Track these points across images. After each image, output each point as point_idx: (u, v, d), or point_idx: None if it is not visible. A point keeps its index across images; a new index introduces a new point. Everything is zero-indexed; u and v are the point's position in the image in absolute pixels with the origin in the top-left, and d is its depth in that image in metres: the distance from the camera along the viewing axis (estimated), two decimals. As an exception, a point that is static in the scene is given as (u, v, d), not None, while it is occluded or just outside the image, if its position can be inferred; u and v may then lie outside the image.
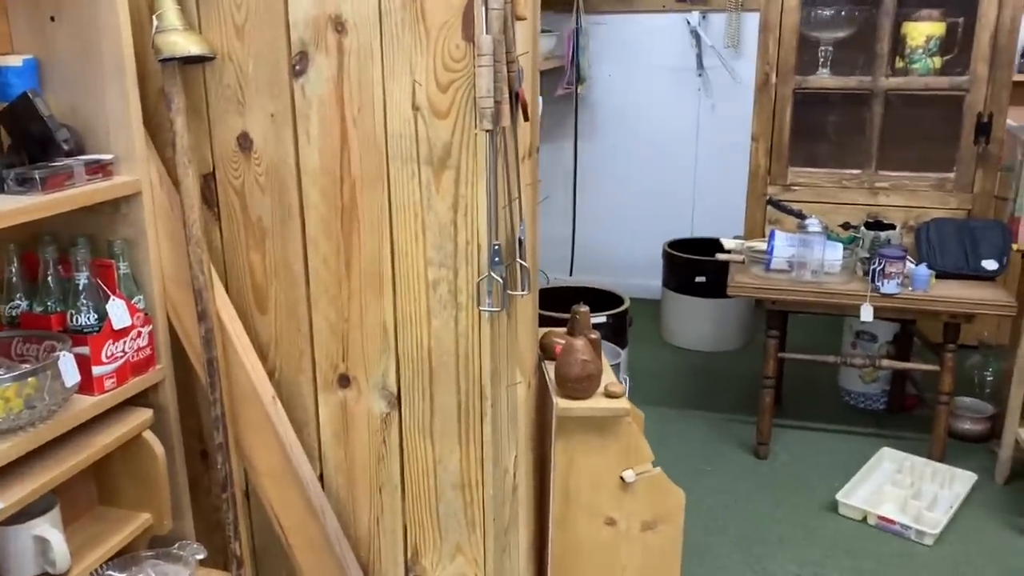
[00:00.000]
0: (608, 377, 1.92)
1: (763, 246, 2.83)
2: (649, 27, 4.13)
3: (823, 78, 2.83)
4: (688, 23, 3.99)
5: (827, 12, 2.81)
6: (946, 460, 2.76)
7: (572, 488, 1.87)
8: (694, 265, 3.77)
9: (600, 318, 3.03)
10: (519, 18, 1.43)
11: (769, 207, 2.90)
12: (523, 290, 1.55)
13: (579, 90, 4.07)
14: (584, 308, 2.06)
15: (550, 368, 1.92)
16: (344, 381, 1.61)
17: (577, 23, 3.98)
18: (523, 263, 1.52)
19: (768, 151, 2.88)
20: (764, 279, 2.72)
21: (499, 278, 1.44)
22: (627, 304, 3.15)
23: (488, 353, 1.51)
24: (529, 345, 1.80)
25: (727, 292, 2.74)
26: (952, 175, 2.77)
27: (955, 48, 2.75)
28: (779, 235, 2.76)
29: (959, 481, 2.65)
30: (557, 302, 3.07)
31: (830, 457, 2.90)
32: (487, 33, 1.33)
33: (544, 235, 4.46)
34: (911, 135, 2.85)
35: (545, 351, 2.01)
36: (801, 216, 2.81)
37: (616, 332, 3.08)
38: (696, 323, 3.83)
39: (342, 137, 1.48)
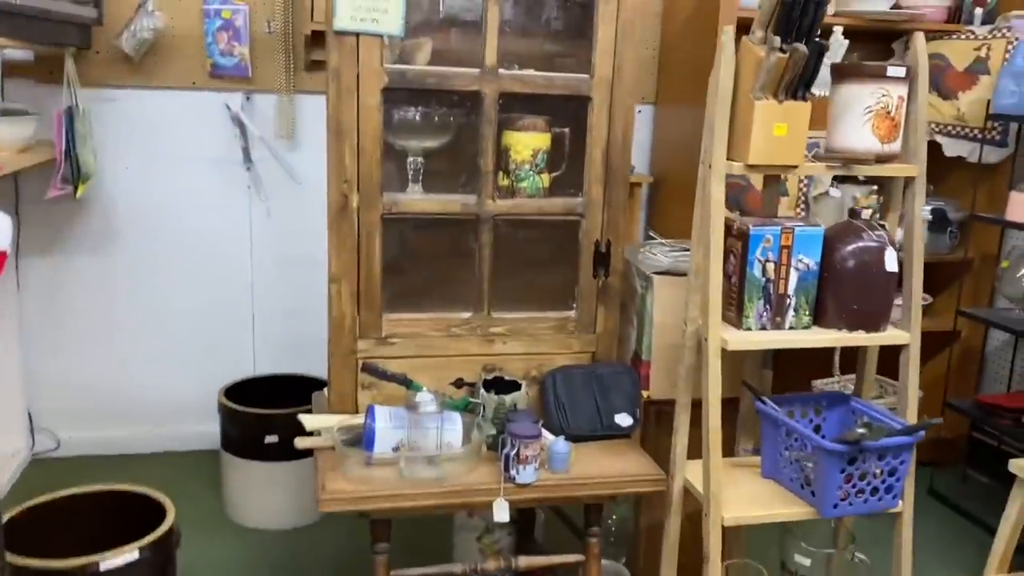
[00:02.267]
0: None
1: (359, 421, 2.09)
2: (178, 108, 3.19)
3: (416, 199, 2.18)
4: (228, 108, 3.14)
5: (415, 114, 2.18)
6: (597, 661, 2.25)
7: None
8: (262, 422, 2.89)
9: (127, 555, 2.01)
10: None
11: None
12: None
13: (79, 192, 2.97)
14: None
15: None
16: None
17: (71, 102, 2.90)
18: None
19: (354, 296, 2.14)
20: (366, 480, 1.95)
21: None
22: (171, 518, 2.17)
23: None
24: None
25: (318, 507, 1.93)
26: (573, 313, 2.30)
27: (563, 163, 2.29)
28: (380, 413, 2.03)
29: None
30: (40, 521, 1.99)
31: None
32: None
33: (44, 379, 3.26)
34: (526, 268, 2.34)
35: None
36: (406, 383, 2.11)
37: (159, 568, 2.08)
38: (269, 495, 2.94)
39: None
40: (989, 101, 3.14)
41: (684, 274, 2.24)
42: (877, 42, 3.55)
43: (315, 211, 3.18)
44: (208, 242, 3.30)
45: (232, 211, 3.31)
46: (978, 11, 3.40)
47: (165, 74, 3.14)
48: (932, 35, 3.41)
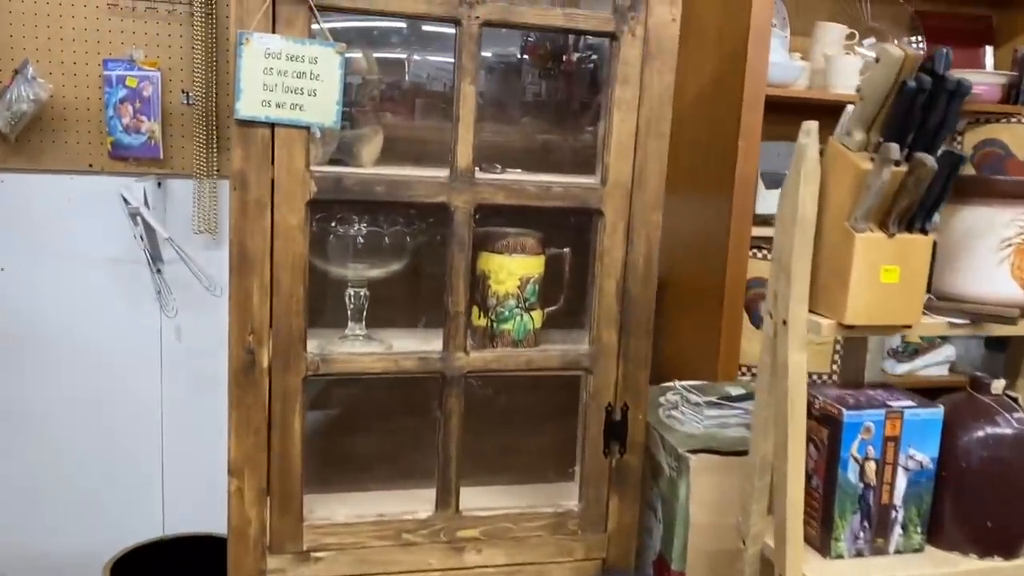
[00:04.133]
0: None
1: None
2: (70, 196, 2.54)
3: (355, 353, 1.55)
4: (126, 200, 2.48)
5: (357, 233, 1.56)
6: None
7: None
8: (156, 615, 2.20)
9: None
10: None
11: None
12: None
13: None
14: None
15: None
16: None
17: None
18: None
19: (263, 493, 1.49)
20: None
21: None
22: None
23: None
24: None
25: None
26: (575, 505, 1.66)
27: (562, 296, 1.68)
28: None
29: None
30: None
31: None
32: None
33: None
34: (508, 437, 1.71)
35: None
36: (336, 630, 1.45)
37: None
38: None
39: None
40: (1066, 199, 2.60)
41: (730, 452, 1.62)
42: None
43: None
44: (107, 363, 2.62)
45: (138, 324, 2.64)
46: (1039, 90, 2.88)
47: (53, 155, 2.49)
48: (985, 118, 2.89)
